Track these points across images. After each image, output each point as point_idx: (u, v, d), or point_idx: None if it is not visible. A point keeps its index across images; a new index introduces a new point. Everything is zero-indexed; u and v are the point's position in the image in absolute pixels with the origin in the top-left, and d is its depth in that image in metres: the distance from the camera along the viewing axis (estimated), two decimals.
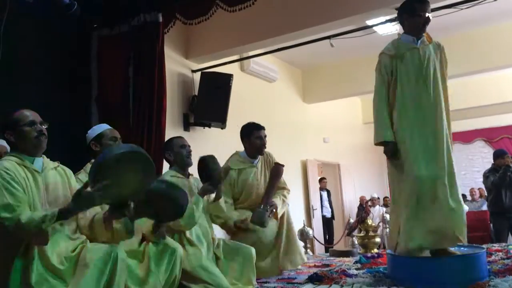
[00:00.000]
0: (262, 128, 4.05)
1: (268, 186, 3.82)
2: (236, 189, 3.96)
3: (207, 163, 3.23)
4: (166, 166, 4.22)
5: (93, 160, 2.96)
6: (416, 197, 3.04)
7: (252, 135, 4.00)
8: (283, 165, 3.89)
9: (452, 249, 3.11)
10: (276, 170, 3.84)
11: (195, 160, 3.46)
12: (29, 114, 2.38)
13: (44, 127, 2.40)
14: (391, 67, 3.24)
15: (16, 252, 2.11)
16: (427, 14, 3.21)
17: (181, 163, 3.43)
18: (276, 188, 3.87)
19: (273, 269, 3.84)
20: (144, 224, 2.94)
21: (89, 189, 2.14)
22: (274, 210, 3.76)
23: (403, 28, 3.36)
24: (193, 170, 3.58)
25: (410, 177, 3.09)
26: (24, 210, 2.14)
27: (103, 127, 3.03)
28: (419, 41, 3.26)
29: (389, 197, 10.96)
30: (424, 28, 3.25)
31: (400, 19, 3.38)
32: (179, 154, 3.43)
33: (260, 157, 4.09)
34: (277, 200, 3.86)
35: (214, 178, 3.22)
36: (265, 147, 4.03)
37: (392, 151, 3.15)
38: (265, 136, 4.03)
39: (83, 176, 2.83)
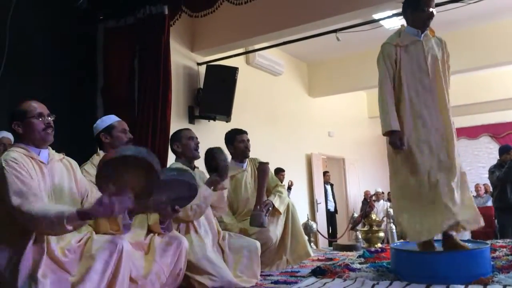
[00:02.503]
0: (244, 132, 4.09)
1: (258, 187, 3.84)
2: (232, 195, 3.97)
3: (214, 154, 3.24)
4: (170, 158, 4.24)
5: (100, 152, 2.97)
6: (417, 191, 3.06)
7: (235, 140, 4.03)
8: (267, 163, 3.91)
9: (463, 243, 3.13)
10: (262, 169, 3.87)
11: (201, 153, 3.48)
12: (37, 106, 2.37)
13: (51, 119, 2.40)
14: (395, 57, 3.22)
15: (25, 245, 2.12)
16: (431, 9, 3.19)
17: (188, 155, 3.43)
18: (265, 187, 3.86)
19: (279, 262, 3.88)
20: (150, 216, 2.96)
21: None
22: (270, 208, 3.76)
23: (407, 22, 3.35)
24: (198, 163, 3.59)
25: (411, 170, 3.10)
26: (36, 199, 2.13)
27: (113, 118, 3.03)
28: (422, 35, 3.25)
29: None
30: (428, 23, 3.24)
31: (404, 13, 3.37)
32: (187, 146, 3.44)
33: (248, 161, 4.11)
34: (272, 197, 3.87)
35: (222, 169, 3.23)
36: (249, 150, 4.05)
37: (398, 140, 3.12)
38: (248, 140, 4.05)
39: (90, 167, 2.84)
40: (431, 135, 3.11)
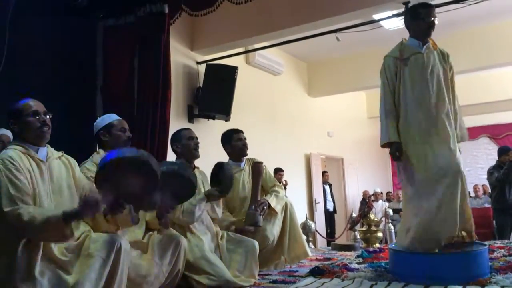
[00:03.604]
0: (241, 131, 4.09)
1: (252, 186, 3.83)
2: (230, 194, 3.96)
3: (224, 169, 3.23)
4: (170, 157, 4.24)
5: (100, 150, 2.97)
6: (419, 199, 3.07)
7: (232, 139, 4.03)
8: (261, 163, 3.91)
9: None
10: (256, 169, 3.86)
11: (202, 153, 3.47)
12: (33, 104, 2.37)
13: (48, 117, 2.40)
14: (395, 69, 3.24)
15: (22, 244, 2.12)
16: (431, 19, 3.20)
17: (188, 155, 3.43)
18: (260, 186, 3.85)
19: (277, 262, 3.87)
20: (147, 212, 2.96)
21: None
22: (265, 207, 3.75)
23: (409, 32, 3.36)
24: (198, 163, 3.59)
25: (414, 180, 3.12)
26: (26, 204, 2.14)
27: (113, 117, 3.03)
28: (424, 47, 3.25)
29: (392, 192, 10.99)
30: (429, 32, 3.24)
31: (406, 23, 3.39)
32: (186, 146, 3.44)
33: (246, 160, 4.10)
34: (268, 197, 3.86)
35: (226, 185, 3.22)
36: (247, 148, 4.05)
37: (397, 151, 3.15)
38: (245, 138, 4.05)
39: (90, 165, 2.84)
40: (430, 146, 3.10)
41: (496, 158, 6.67)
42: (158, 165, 2.23)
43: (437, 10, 4.65)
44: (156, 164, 2.18)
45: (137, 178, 2.15)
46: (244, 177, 4.02)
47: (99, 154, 2.91)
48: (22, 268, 2.10)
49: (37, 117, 2.35)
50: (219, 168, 3.29)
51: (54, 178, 2.38)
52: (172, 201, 2.74)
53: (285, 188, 7.79)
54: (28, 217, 2.07)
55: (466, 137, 3.32)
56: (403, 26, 3.39)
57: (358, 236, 5.95)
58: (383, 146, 3.26)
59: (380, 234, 5.62)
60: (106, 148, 2.94)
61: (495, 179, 6.31)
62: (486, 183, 7.90)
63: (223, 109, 6.09)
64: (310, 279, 3.28)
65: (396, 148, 3.16)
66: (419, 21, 3.22)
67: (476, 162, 12.10)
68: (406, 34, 3.40)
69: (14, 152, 2.25)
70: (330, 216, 9.63)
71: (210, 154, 4.51)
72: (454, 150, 3.11)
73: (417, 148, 3.13)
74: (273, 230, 3.80)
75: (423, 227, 3.03)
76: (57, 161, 2.46)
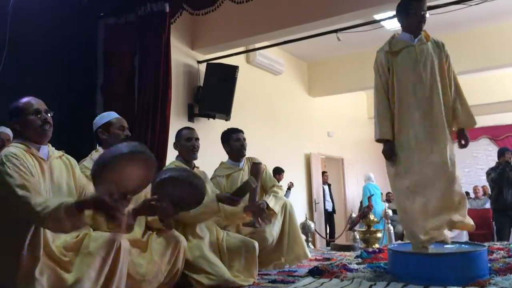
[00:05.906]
0: (240, 131, 4.06)
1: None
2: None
3: (248, 181, 3.22)
4: (169, 156, 4.25)
5: (99, 148, 2.98)
6: (412, 197, 3.08)
7: (231, 138, 4.00)
8: (261, 163, 3.90)
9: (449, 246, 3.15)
10: (255, 169, 3.84)
11: (202, 152, 3.47)
12: (34, 103, 2.37)
13: (49, 115, 2.40)
14: (388, 64, 3.24)
15: (23, 244, 2.12)
16: (422, 13, 3.19)
17: (185, 156, 3.43)
18: (258, 187, 3.83)
19: (276, 263, 3.87)
20: None
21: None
22: (263, 208, 3.74)
23: (401, 26, 3.36)
24: (198, 162, 3.58)
25: (406, 176, 3.11)
26: (37, 194, 2.12)
27: (112, 115, 3.03)
28: (417, 39, 3.24)
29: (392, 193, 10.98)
30: (420, 26, 3.23)
31: (397, 17, 3.38)
32: (184, 147, 3.44)
33: (245, 160, 4.09)
34: (266, 197, 3.84)
35: (240, 191, 3.21)
36: (245, 149, 4.03)
37: (389, 151, 3.15)
38: (244, 139, 4.03)
39: (89, 162, 2.84)
40: (424, 141, 3.10)
41: (496, 159, 6.68)
42: (152, 156, 2.24)
43: (438, 10, 4.66)
44: (148, 152, 2.20)
45: (134, 169, 2.16)
46: (242, 177, 4.00)
47: (98, 152, 2.92)
48: (24, 267, 2.09)
49: (39, 116, 2.35)
50: (247, 183, 3.29)
51: (54, 177, 2.38)
52: (176, 207, 2.72)
53: (289, 190, 7.81)
54: (41, 202, 2.05)
55: (471, 124, 3.30)
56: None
57: (358, 237, 5.94)
58: (377, 141, 3.26)
59: (379, 235, 5.61)
60: (105, 146, 2.95)
61: (490, 180, 6.33)
62: (486, 184, 7.92)
63: (223, 109, 6.09)
64: (309, 279, 3.27)
65: (389, 147, 3.16)
66: (410, 16, 3.22)
67: (476, 163, 12.11)
68: None
69: (17, 150, 2.25)
70: (329, 216, 9.63)
71: (210, 153, 4.52)
72: (445, 142, 3.09)
73: (409, 141, 3.12)
74: (272, 231, 3.79)
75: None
76: (58, 161, 2.46)
